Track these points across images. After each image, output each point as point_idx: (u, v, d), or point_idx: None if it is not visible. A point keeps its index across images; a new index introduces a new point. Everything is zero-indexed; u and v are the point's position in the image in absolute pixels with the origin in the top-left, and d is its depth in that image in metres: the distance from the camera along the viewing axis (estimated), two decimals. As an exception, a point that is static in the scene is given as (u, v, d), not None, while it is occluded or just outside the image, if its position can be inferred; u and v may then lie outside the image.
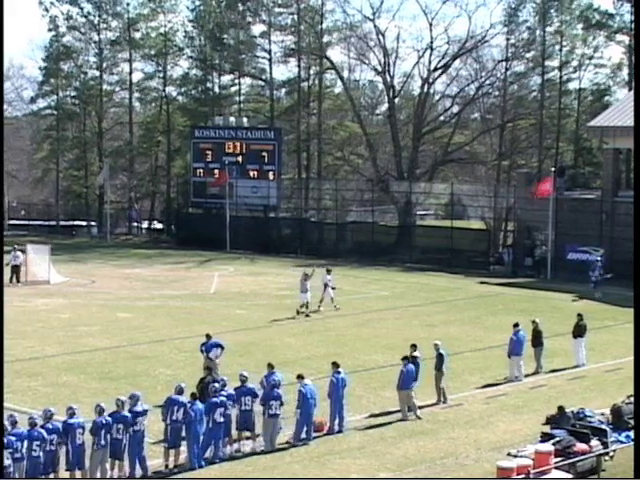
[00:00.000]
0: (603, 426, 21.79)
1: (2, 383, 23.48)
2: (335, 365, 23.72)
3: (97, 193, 78.11)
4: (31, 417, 19.40)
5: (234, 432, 22.01)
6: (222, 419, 21.20)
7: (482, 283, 48.68)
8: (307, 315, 38.29)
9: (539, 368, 29.43)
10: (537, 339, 29.54)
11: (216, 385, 21.97)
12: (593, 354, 30.97)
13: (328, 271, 40.83)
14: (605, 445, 20.98)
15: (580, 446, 20.58)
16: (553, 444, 20.32)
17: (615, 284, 44.24)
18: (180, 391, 21.16)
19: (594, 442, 20.87)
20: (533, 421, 23.78)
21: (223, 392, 21.73)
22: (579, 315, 31.38)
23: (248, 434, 22.18)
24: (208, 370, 24.28)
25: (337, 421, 23.27)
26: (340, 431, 23.16)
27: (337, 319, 38.07)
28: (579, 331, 30.50)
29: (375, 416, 24.55)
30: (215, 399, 21.26)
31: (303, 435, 22.50)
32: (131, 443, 20.10)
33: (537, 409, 24.92)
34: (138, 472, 20.18)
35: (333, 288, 40.36)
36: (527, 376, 28.67)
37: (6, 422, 18.88)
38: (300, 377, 22.96)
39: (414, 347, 25.76)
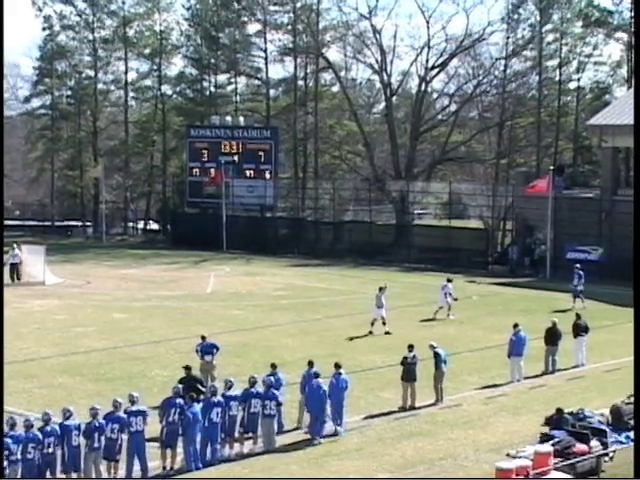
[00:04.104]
0: (603, 427, 21.81)
1: (2, 384, 23.54)
2: (337, 366, 23.74)
3: (92, 193, 78.10)
4: (27, 419, 19.41)
5: (236, 434, 22.01)
6: (218, 419, 21.22)
7: (479, 283, 48.70)
8: (388, 332, 35.14)
9: (551, 367, 29.42)
10: (553, 339, 29.54)
11: (215, 385, 21.99)
12: (592, 354, 30.99)
13: (449, 280, 39.69)
14: (605, 446, 21.00)
15: (580, 447, 20.60)
16: (552, 445, 20.34)
17: (614, 283, 44.28)
18: (177, 393, 21.18)
19: (594, 443, 20.88)
20: (532, 422, 23.78)
21: (230, 393, 21.78)
22: (577, 315, 31.60)
23: (250, 435, 22.19)
24: (188, 370, 24.08)
25: (337, 422, 23.27)
26: (336, 432, 23.15)
27: (334, 320, 38.08)
28: (578, 330, 30.56)
29: (373, 417, 24.57)
30: (214, 399, 21.29)
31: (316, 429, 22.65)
32: (129, 444, 20.15)
33: (536, 410, 24.92)
34: (136, 474, 20.20)
35: (455, 299, 39.33)
36: (537, 376, 28.75)
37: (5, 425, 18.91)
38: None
39: (411, 347, 25.86)
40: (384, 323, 35.46)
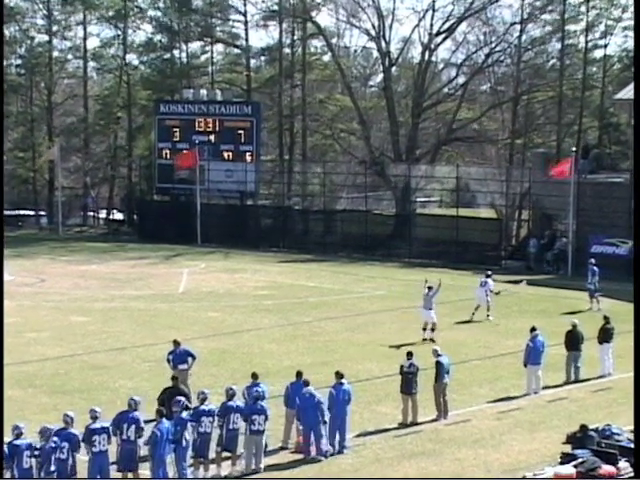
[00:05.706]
0: (632, 445, 21.83)
1: (2, 387, 23.50)
2: (338, 375, 23.79)
3: (47, 178, 77.96)
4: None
5: (212, 454, 21.99)
6: (190, 438, 21.20)
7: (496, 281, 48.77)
8: (432, 340, 34.20)
9: (573, 376, 29.58)
10: (574, 343, 29.66)
11: (182, 399, 21.92)
12: (621, 362, 30.99)
13: (488, 275, 39.92)
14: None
15: (606, 468, 20.65)
16: (575, 466, 20.38)
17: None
18: (132, 405, 21.08)
19: (622, 464, 20.92)
20: (552, 440, 23.82)
21: (204, 407, 21.74)
22: (605, 318, 31.49)
23: (229, 455, 22.17)
24: (175, 380, 24.19)
25: (338, 440, 23.27)
26: (340, 452, 23.15)
27: (325, 322, 38.09)
28: (605, 336, 30.57)
29: (369, 434, 24.59)
30: (184, 415, 21.25)
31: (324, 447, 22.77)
32: (91, 465, 20.11)
33: (556, 426, 24.98)
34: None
35: (497, 293, 39.94)
36: (557, 387, 28.84)
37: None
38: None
39: (410, 355, 25.86)
40: (433, 329, 35.12)
